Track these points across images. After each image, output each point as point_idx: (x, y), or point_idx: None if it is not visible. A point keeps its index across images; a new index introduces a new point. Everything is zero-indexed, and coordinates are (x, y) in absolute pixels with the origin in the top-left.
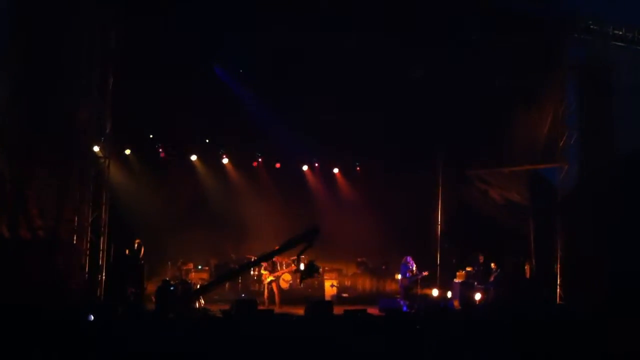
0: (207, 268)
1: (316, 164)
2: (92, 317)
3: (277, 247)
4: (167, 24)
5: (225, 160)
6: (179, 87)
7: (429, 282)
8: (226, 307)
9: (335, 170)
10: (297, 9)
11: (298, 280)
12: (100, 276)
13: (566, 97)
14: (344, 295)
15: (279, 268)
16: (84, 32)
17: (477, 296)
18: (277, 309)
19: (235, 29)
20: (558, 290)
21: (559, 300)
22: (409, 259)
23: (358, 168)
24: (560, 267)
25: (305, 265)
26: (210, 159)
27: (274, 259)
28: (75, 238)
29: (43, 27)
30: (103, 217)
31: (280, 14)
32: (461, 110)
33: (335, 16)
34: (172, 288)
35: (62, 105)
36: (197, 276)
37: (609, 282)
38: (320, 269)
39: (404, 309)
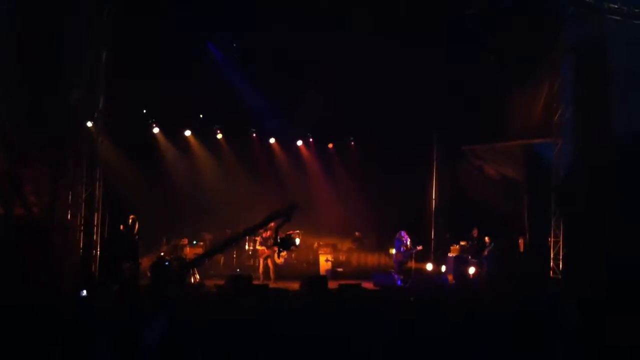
0: (202, 243)
1: (311, 140)
2: (84, 293)
3: (257, 223)
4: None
5: (219, 136)
6: (172, 63)
7: (423, 257)
8: (221, 282)
9: (330, 146)
10: (294, 7)
11: (292, 256)
12: (94, 252)
13: (561, 74)
14: (339, 269)
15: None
16: (77, 9)
17: (471, 270)
18: (272, 284)
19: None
20: (551, 264)
21: (552, 274)
22: (403, 233)
23: (352, 143)
24: (553, 242)
25: (282, 239)
26: (204, 134)
27: (269, 235)
28: (69, 215)
29: (35, 5)
30: (97, 193)
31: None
32: (456, 87)
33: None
34: (167, 263)
35: (55, 85)
36: (192, 251)
37: (604, 258)
38: (298, 243)
39: (398, 283)
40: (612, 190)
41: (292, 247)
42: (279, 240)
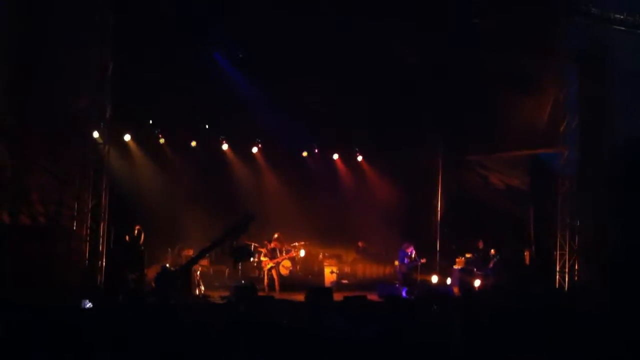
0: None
1: (316, 150)
2: (88, 304)
3: (219, 236)
4: (166, 9)
5: (225, 146)
6: (178, 73)
7: (429, 269)
8: (226, 293)
9: (335, 157)
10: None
11: (297, 267)
12: (100, 262)
13: (566, 82)
14: (344, 281)
15: (278, 254)
16: (82, 16)
17: (477, 282)
18: (277, 295)
19: (231, 13)
20: (557, 276)
21: (558, 286)
22: (409, 245)
23: (358, 154)
24: (559, 254)
25: (236, 249)
26: (210, 144)
27: (273, 246)
28: (75, 224)
29: (41, 12)
30: (103, 203)
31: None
32: (461, 96)
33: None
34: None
35: (61, 92)
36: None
37: (610, 268)
38: (256, 254)
39: (404, 295)
40: (617, 189)
41: (248, 258)
42: (233, 250)
